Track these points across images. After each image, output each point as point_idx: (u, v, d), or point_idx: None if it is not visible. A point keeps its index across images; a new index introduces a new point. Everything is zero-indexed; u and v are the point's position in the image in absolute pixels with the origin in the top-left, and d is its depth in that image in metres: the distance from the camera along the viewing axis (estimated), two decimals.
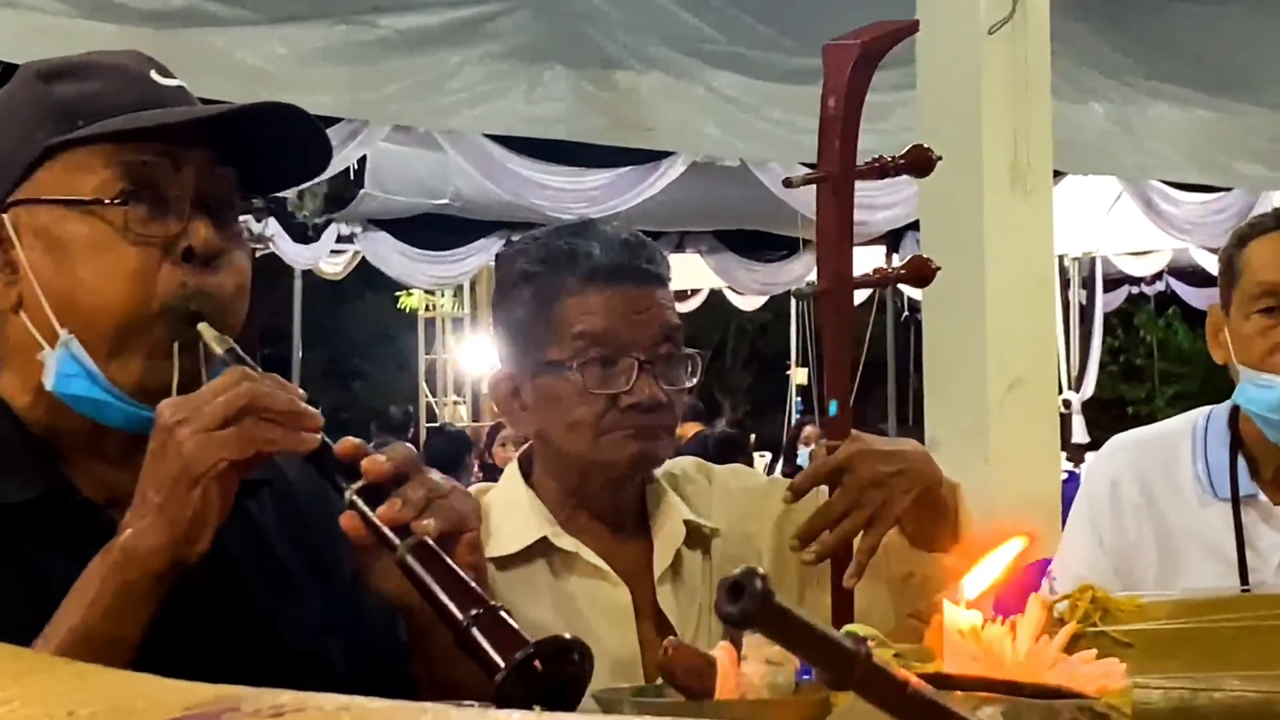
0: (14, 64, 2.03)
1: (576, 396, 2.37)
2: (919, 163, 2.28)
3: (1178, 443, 3.04)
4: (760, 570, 0.81)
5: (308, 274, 13.27)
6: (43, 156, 1.76)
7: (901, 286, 6.95)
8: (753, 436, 13.23)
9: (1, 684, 1.13)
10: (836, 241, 2.26)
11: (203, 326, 1.72)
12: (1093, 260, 12.81)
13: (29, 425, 1.78)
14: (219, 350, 1.71)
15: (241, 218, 1.84)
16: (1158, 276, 13.26)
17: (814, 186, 2.26)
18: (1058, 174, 6.86)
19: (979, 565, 1.22)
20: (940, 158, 2.31)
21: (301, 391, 1.67)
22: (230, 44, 6.19)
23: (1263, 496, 2.94)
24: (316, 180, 8.67)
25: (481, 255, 11.55)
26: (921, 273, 2.32)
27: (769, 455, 13.54)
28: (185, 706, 0.98)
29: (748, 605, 0.79)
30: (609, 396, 2.37)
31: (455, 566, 1.59)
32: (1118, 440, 3.23)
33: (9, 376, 1.81)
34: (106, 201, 1.74)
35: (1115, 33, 8.10)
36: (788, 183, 2.51)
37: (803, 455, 11.02)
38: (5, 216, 1.77)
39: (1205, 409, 3.08)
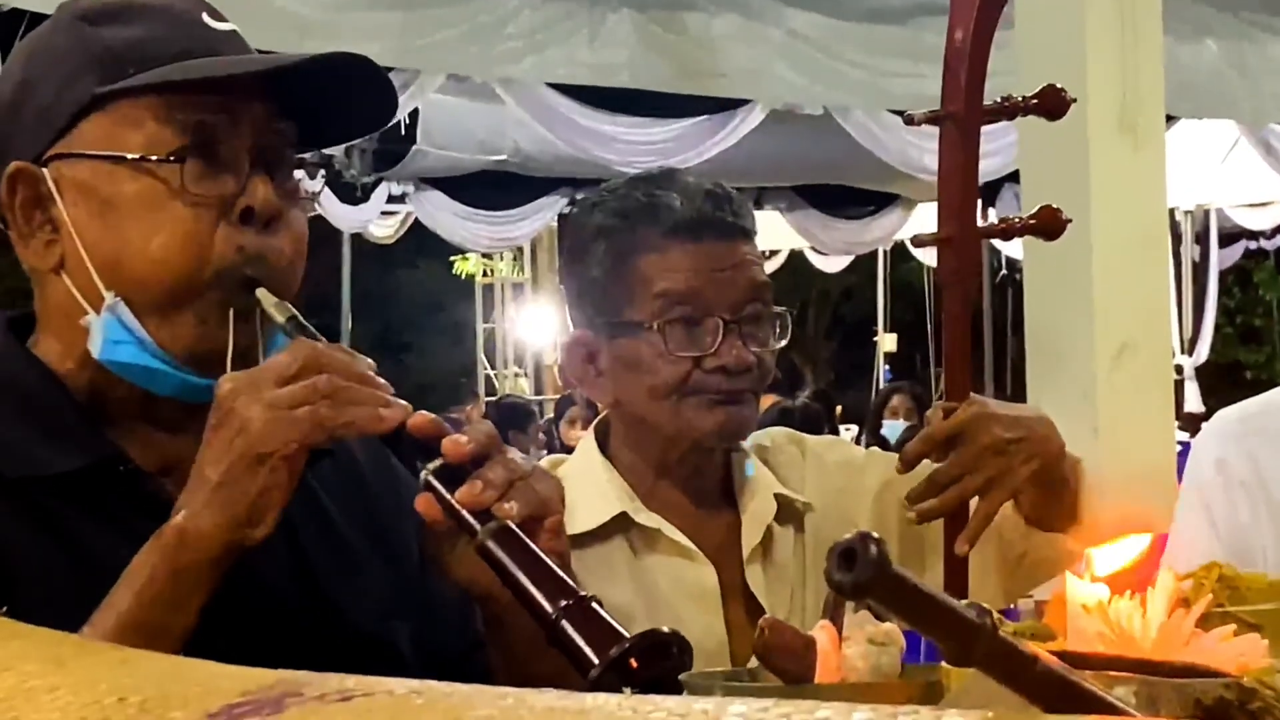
0: (45, 13, 2.03)
1: (658, 359, 2.37)
2: (1052, 104, 2.28)
3: None
4: (875, 535, 0.80)
5: (356, 237, 13.31)
6: (88, 107, 1.75)
7: (997, 242, 6.93)
8: (838, 409, 13.16)
9: (47, 670, 1.14)
10: (962, 187, 2.25)
11: (261, 293, 1.72)
12: (1207, 213, 12.74)
13: (75, 392, 1.78)
14: (279, 319, 1.71)
15: (296, 174, 1.85)
16: (1278, 230, 13.18)
17: (932, 128, 2.25)
18: (1170, 119, 6.81)
19: (1106, 546, 1.21)
20: (1075, 100, 2.31)
21: (371, 363, 1.67)
22: None
23: None
24: (353, 143, 8.73)
25: (543, 215, 11.56)
26: (1052, 224, 2.33)
27: (856, 429, 13.50)
28: (243, 692, 0.99)
29: (861, 573, 0.78)
30: (693, 359, 2.36)
31: (540, 553, 1.59)
32: (1221, 416, 3.21)
33: (49, 340, 1.81)
34: (159, 158, 1.73)
35: None
36: (910, 120, 2.50)
37: (889, 427, 10.96)
38: (46, 171, 1.76)
39: None
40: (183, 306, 1.73)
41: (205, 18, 1.81)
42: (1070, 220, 2.35)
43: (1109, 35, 6.00)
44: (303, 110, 1.80)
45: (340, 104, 1.83)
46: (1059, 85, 2.30)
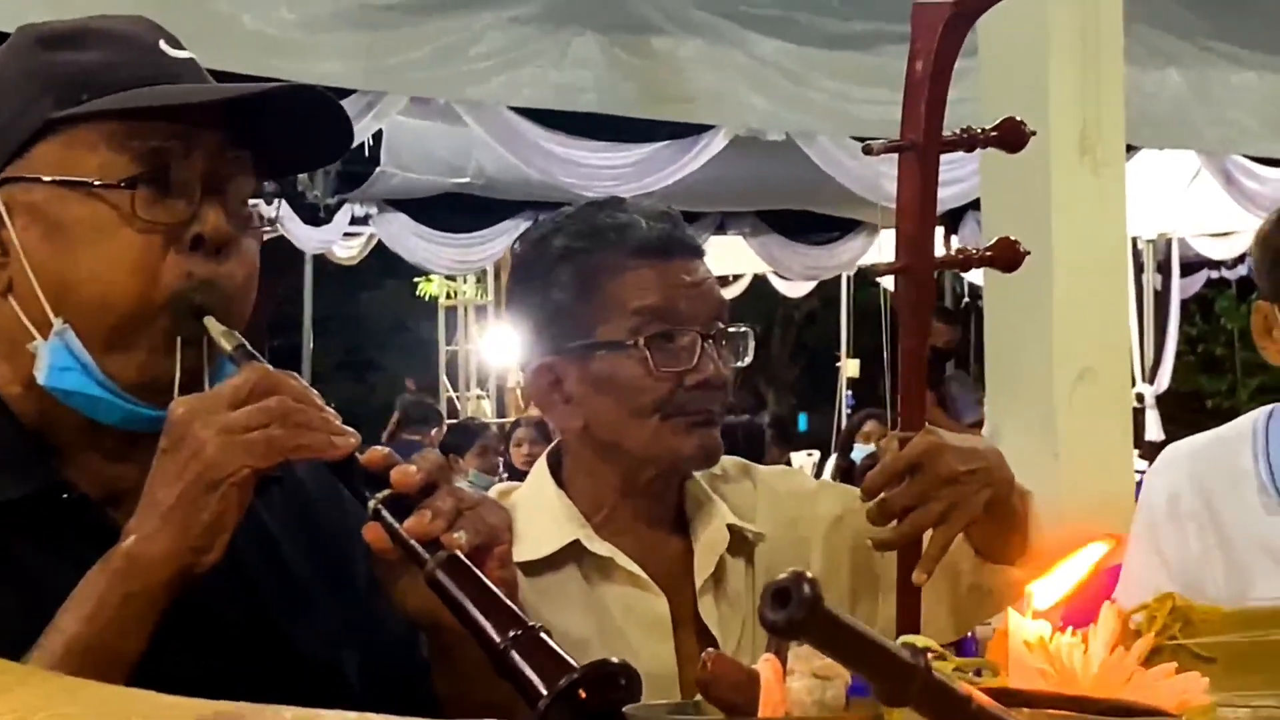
0: (5, 32, 2.03)
1: (642, 377, 2.37)
2: (1012, 136, 2.28)
3: (1238, 447, 3.04)
4: (808, 574, 0.80)
5: (319, 259, 13.32)
6: (42, 131, 1.75)
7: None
8: (789, 433, 13.20)
9: None
10: (919, 216, 2.26)
11: (209, 321, 1.72)
12: (1169, 242, 12.81)
13: (20, 417, 1.78)
14: (226, 346, 1.71)
15: (250, 202, 1.84)
16: (1240, 260, 13.22)
17: (891, 157, 2.26)
18: (1131, 148, 6.85)
19: (1053, 571, 1.21)
20: (1034, 132, 2.32)
21: (316, 392, 1.68)
22: (234, 8, 6.20)
23: None
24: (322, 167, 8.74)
25: (506, 238, 11.56)
26: (1010, 256, 2.33)
27: (817, 454, 13.52)
28: None
29: (794, 612, 0.78)
30: (676, 375, 2.37)
31: (489, 583, 1.59)
32: (1172, 450, 3.23)
33: None
34: (112, 184, 1.73)
35: None
36: (867, 150, 2.51)
37: (857, 450, 11.00)
38: None
39: (1265, 408, 3.08)
40: (131, 334, 1.73)
41: (163, 45, 1.81)
42: (1028, 252, 2.35)
43: (1070, 64, 6.04)
44: (258, 139, 1.80)
45: (296, 134, 1.83)
46: (1020, 114, 2.31)
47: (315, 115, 1.83)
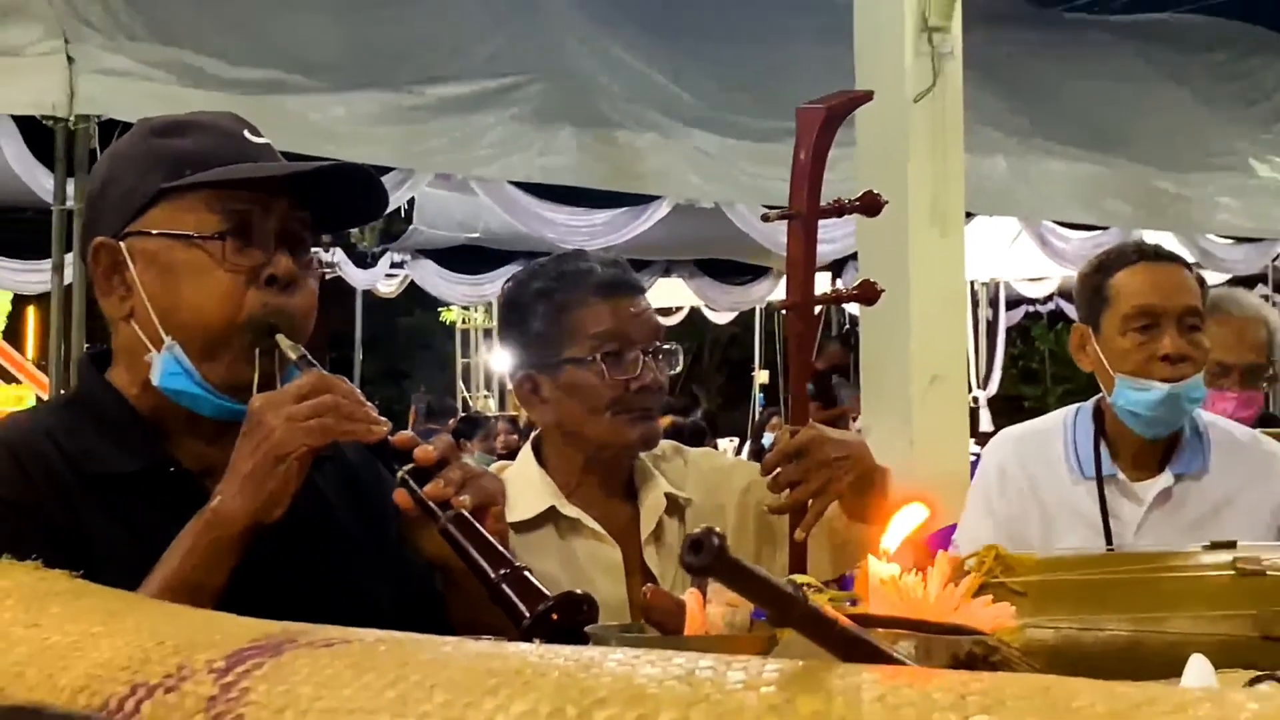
0: (130, 122, 2.03)
1: (598, 384, 2.39)
2: (870, 205, 2.28)
3: (1052, 434, 3.05)
4: (717, 529, 0.80)
5: (367, 293, 13.24)
6: (155, 198, 1.76)
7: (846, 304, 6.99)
8: (718, 425, 13.17)
9: (107, 619, 1.14)
10: (804, 267, 2.26)
11: (280, 337, 1.73)
12: (998, 284, 12.80)
13: (139, 411, 1.79)
14: (292, 356, 1.73)
15: (312, 250, 1.85)
16: (1049, 298, 13.22)
17: (785, 222, 2.26)
18: (969, 215, 6.84)
19: (890, 526, 1.21)
20: (887, 202, 2.32)
21: (359, 392, 1.69)
22: (302, 107, 6.20)
23: (1121, 475, 2.95)
24: (365, 225, 8.71)
25: (506, 278, 11.52)
26: (870, 293, 2.33)
27: (736, 440, 13.52)
28: (252, 639, 0.98)
29: (705, 557, 0.78)
30: (624, 382, 2.38)
31: (486, 534, 1.60)
32: (1002, 435, 3.24)
33: (120, 371, 1.82)
34: (207, 236, 1.74)
35: (1016, 101, 8.14)
36: (765, 218, 2.52)
37: (766, 438, 10.99)
38: (123, 245, 1.77)
39: (1073, 406, 3.09)
40: (221, 348, 1.74)
41: (246, 133, 1.82)
42: (884, 290, 2.35)
43: (924, 153, 6.03)
44: (316, 204, 1.80)
45: (344, 201, 1.83)
46: (887, 190, 2.31)
47: (359, 186, 1.83)
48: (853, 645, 0.83)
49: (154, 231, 1.76)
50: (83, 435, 1.76)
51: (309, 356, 1.72)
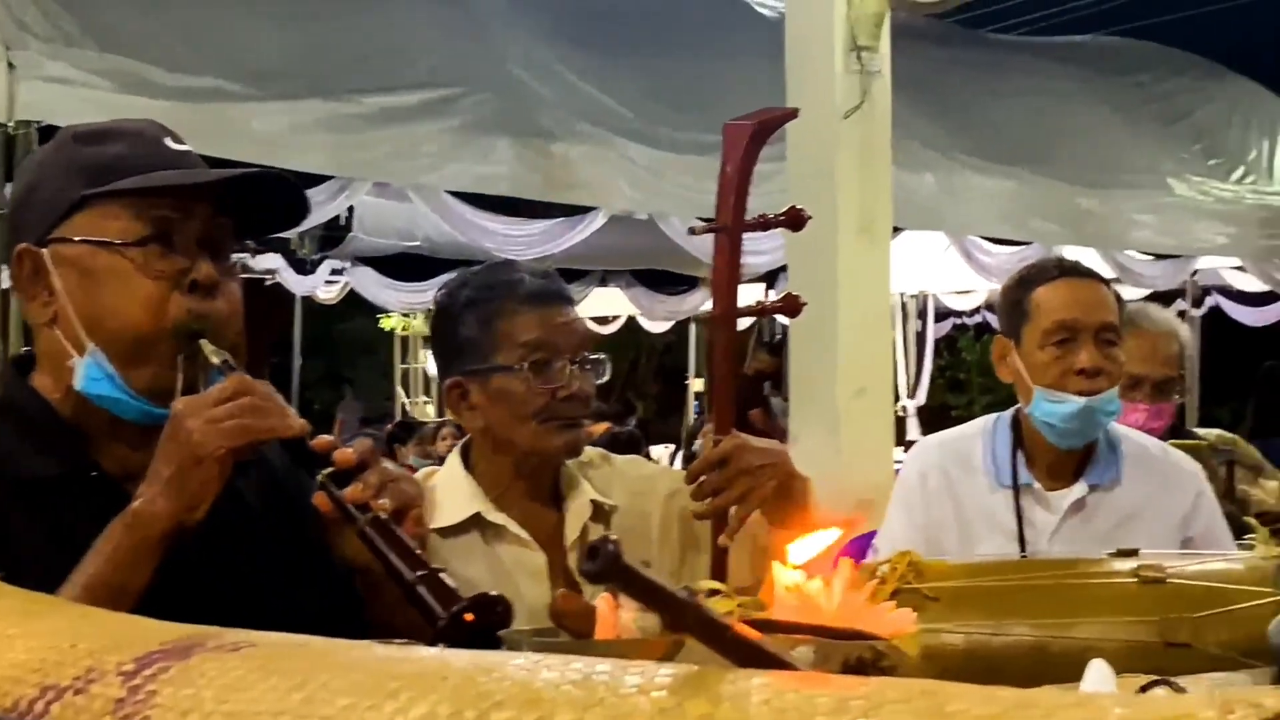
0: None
1: (525, 392, 2.37)
2: (794, 220, 2.28)
3: (972, 443, 3.07)
4: (613, 538, 0.81)
5: (307, 299, 13.19)
6: (78, 204, 1.75)
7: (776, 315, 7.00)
8: (653, 433, 13.19)
9: (22, 621, 1.13)
10: (728, 279, 2.25)
11: (203, 343, 1.72)
12: (926, 297, 12.86)
13: (62, 415, 1.77)
14: (215, 361, 1.72)
15: (236, 255, 1.84)
16: (976, 310, 13.30)
17: (712, 235, 2.25)
18: (897, 229, 6.89)
19: (805, 540, 1.22)
20: (810, 216, 2.32)
21: (279, 394, 1.68)
22: (243, 116, 6.16)
23: (1037, 484, 2.97)
24: (313, 225, 8.67)
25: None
26: (792, 306, 2.32)
27: (672, 447, 13.53)
28: (161, 642, 0.98)
29: (601, 564, 0.79)
30: (550, 391, 2.37)
31: (404, 536, 1.60)
32: (924, 442, 3.26)
33: (43, 377, 1.81)
34: (129, 243, 1.73)
35: (943, 119, 8.18)
36: (692, 231, 2.52)
37: (699, 446, 11.01)
38: (45, 251, 1.76)
39: (993, 416, 3.11)
40: (145, 353, 1.73)
41: (167, 140, 1.81)
42: (806, 303, 2.35)
43: (853, 168, 6.07)
44: (239, 210, 1.79)
45: (267, 207, 1.83)
46: (816, 205, 2.32)
47: (281, 193, 1.83)
48: (746, 651, 0.83)
49: (76, 238, 1.74)
50: (4, 439, 1.75)
51: (231, 361, 1.71)
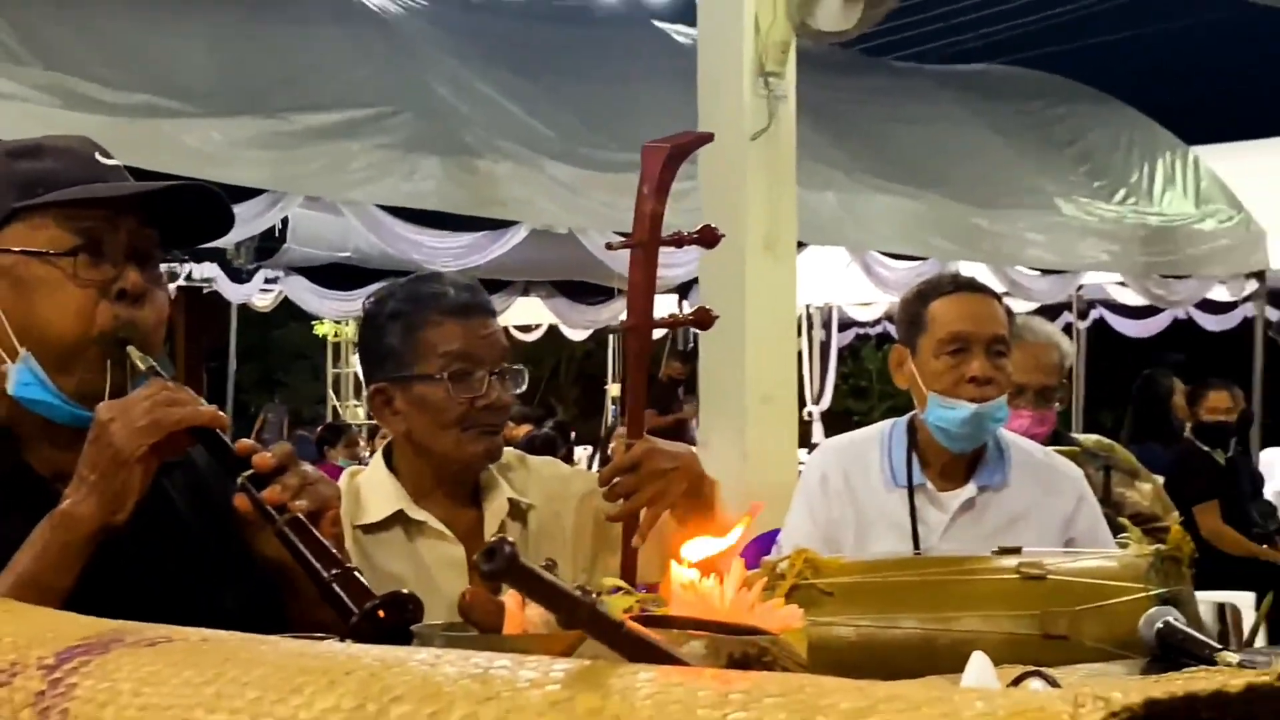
0: None
1: (446, 400, 2.36)
2: (708, 237, 2.27)
3: (869, 445, 3.08)
4: (510, 540, 0.81)
5: (243, 307, 13.05)
6: (9, 217, 1.73)
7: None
8: (573, 434, 13.16)
9: None
10: (643, 292, 2.25)
11: (130, 349, 1.70)
12: (830, 308, 12.95)
13: None
14: (142, 367, 1.70)
15: (164, 265, 1.82)
16: (877, 321, 13.40)
17: (628, 250, 2.25)
18: (802, 245, 6.92)
19: (701, 540, 1.22)
20: (723, 235, 2.32)
21: (198, 396, 1.66)
22: (177, 131, 6.12)
23: (930, 485, 2.99)
24: (248, 236, 8.60)
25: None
26: (704, 319, 2.32)
27: (591, 448, 13.53)
28: (82, 637, 0.97)
29: (498, 564, 0.78)
30: (470, 400, 2.36)
31: (320, 536, 1.59)
32: (824, 444, 3.28)
33: None
34: (59, 253, 1.71)
35: (845, 141, 8.25)
36: (609, 246, 2.50)
37: (612, 450, 11.00)
38: None
39: (889, 421, 3.13)
40: (74, 359, 1.70)
41: (97, 155, 1.79)
42: (719, 316, 2.36)
43: (760, 188, 6.09)
44: (165, 221, 1.78)
45: (192, 218, 1.81)
46: (727, 222, 2.31)
47: (206, 205, 1.81)
48: (637, 646, 0.83)
49: (8, 249, 1.72)
50: None
51: (157, 367, 1.69)
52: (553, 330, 15.21)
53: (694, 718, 0.66)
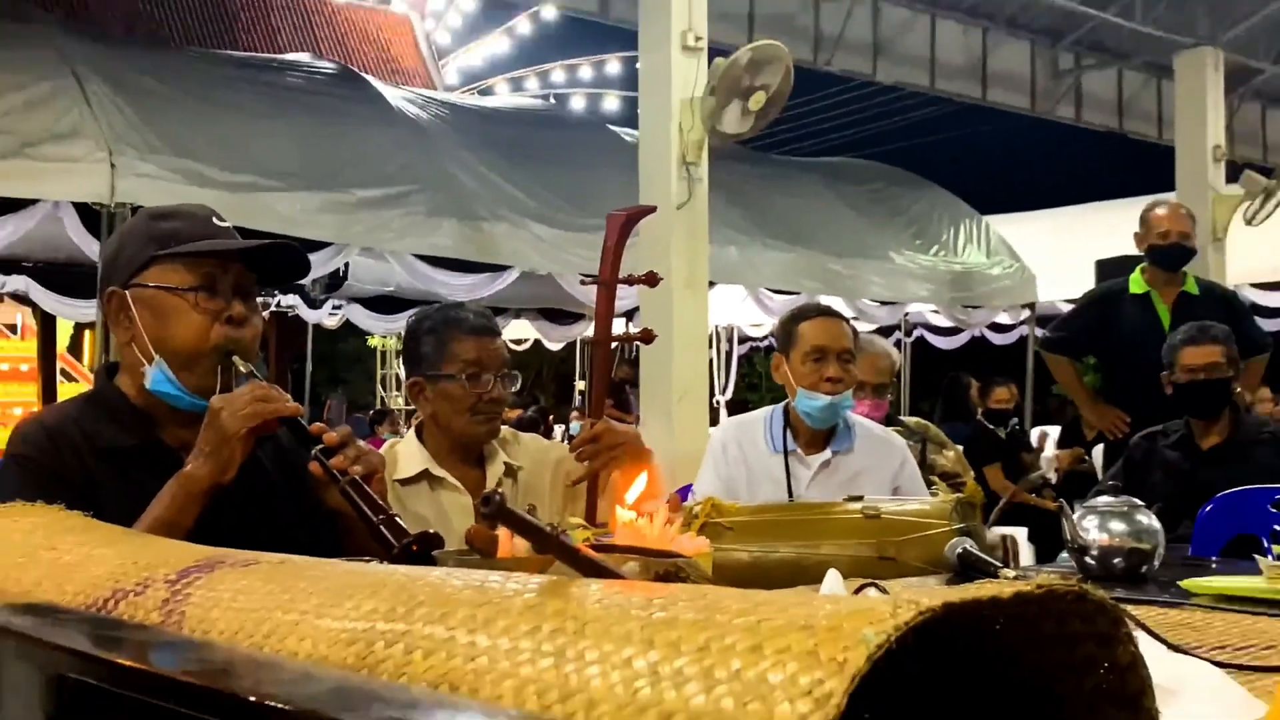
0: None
1: (462, 394, 2.35)
2: (651, 280, 2.28)
3: (757, 423, 3.09)
4: (500, 491, 0.80)
5: (316, 326, 12.90)
6: (150, 261, 1.71)
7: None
8: (550, 417, 13.11)
9: (103, 545, 1.10)
10: (604, 316, 2.25)
11: (235, 358, 1.69)
12: (733, 328, 12.96)
13: (136, 405, 1.73)
14: (243, 371, 1.68)
15: (260, 299, 1.80)
16: (765, 337, 13.40)
17: (594, 286, 2.25)
18: (712, 283, 6.94)
19: (633, 489, 1.22)
20: (662, 278, 2.32)
21: (285, 393, 1.65)
22: (271, 201, 6.08)
23: (799, 451, 2.99)
24: (319, 275, 8.52)
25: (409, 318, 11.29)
26: (648, 336, 2.33)
27: (564, 427, 13.49)
28: (195, 560, 0.96)
29: (491, 508, 0.78)
30: (479, 394, 2.35)
31: (371, 492, 1.57)
32: (726, 420, 3.28)
33: (124, 378, 1.76)
34: (186, 289, 1.69)
35: (744, 210, 8.25)
36: (582, 283, 2.50)
37: (579, 428, 10.96)
38: (127, 293, 1.72)
39: (771, 406, 3.13)
40: (195, 365, 1.69)
41: (213, 219, 1.77)
42: (656, 335, 2.36)
43: (683, 242, 6.09)
44: (262, 268, 1.76)
45: (281, 265, 1.79)
46: (659, 265, 2.31)
47: (289, 257, 1.79)
48: (590, 566, 0.83)
49: (149, 285, 1.70)
50: (96, 420, 1.70)
51: (255, 371, 1.68)
52: (537, 343, 15.14)
53: (628, 615, 0.65)
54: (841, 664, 0.54)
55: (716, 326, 11.99)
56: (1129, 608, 1.36)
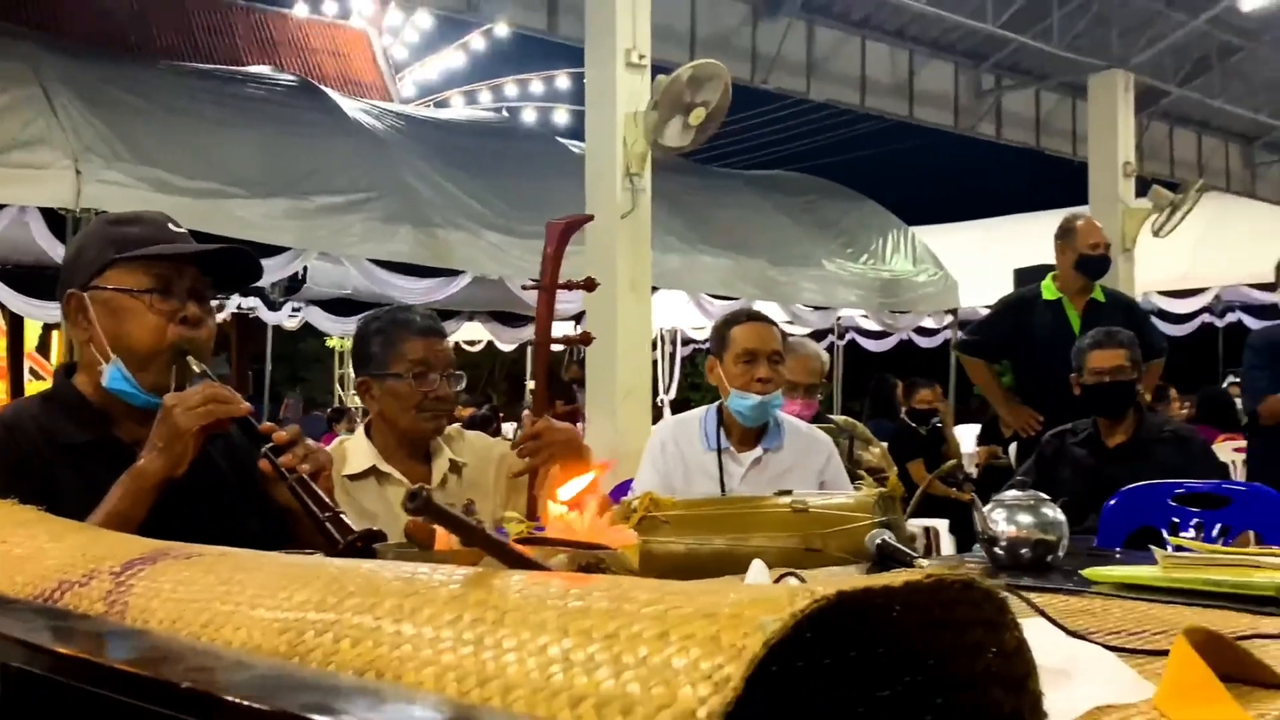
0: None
1: (409, 392, 2.33)
2: (589, 284, 2.27)
3: (693, 422, 3.09)
4: (427, 487, 0.80)
5: (276, 328, 12.78)
6: (109, 265, 1.69)
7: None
8: (501, 415, 13.06)
9: (51, 539, 1.08)
10: (545, 319, 2.24)
11: (189, 358, 1.67)
12: (677, 331, 13.00)
13: (92, 403, 1.71)
14: (196, 370, 1.66)
15: (214, 300, 1.78)
16: (707, 340, 13.49)
17: (536, 291, 2.24)
18: (655, 288, 6.95)
19: (568, 485, 1.21)
20: (600, 283, 2.31)
21: (237, 394, 1.63)
22: (234, 208, 6.02)
23: (732, 448, 3.01)
24: (279, 279, 8.42)
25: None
26: (587, 338, 2.32)
27: (516, 424, 13.45)
28: (140, 553, 0.95)
29: (417, 504, 0.78)
30: (425, 393, 2.33)
31: (318, 490, 1.56)
32: (665, 419, 3.27)
33: (81, 377, 1.73)
34: (142, 290, 1.67)
35: (685, 219, 8.28)
36: (525, 287, 2.48)
37: (521, 425, 10.90)
38: (86, 294, 1.69)
39: (706, 406, 3.14)
40: (150, 364, 1.66)
41: (170, 225, 1.75)
42: (596, 338, 2.35)
43: (627, 249, 6.09)
44: (216, 271, 1.74)
45: (235, 269, 1.77)
46: (602, 271, 2.32)
47: (244, 261, 1.77)
48: (515, 559, 0.83)
49: (107, 287, 1.68)
50: (53, 417, 1.67)
51: (208, 371, 1.66)
52: (490, 344, 15.08)
53: (544, 605, 0.65)
54: (740, 650, 0.54)
55: (661, 329, 12.03)
56: (1032, 595, 1.37)
